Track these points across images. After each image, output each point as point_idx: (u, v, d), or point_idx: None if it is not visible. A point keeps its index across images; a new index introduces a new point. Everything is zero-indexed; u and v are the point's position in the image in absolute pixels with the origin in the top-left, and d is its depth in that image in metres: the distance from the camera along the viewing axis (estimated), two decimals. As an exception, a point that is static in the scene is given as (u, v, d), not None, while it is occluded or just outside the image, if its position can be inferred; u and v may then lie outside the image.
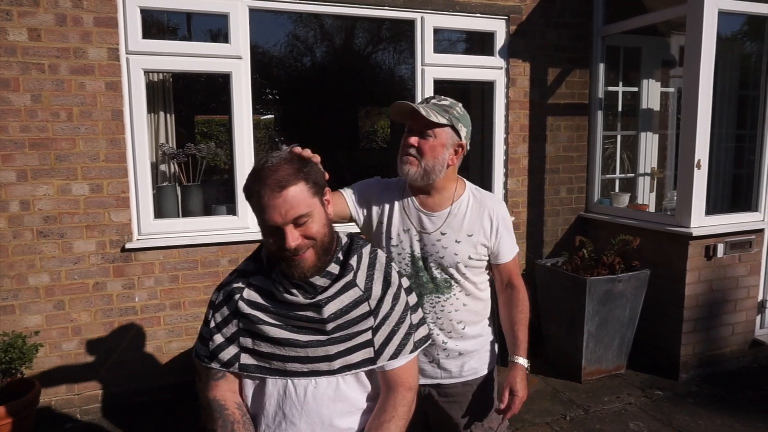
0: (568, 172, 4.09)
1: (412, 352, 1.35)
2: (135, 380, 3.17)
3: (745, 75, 4.16)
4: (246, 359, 1.29)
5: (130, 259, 3.09)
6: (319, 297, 1.25)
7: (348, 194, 1.68)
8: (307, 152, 1.25)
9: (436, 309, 1.63)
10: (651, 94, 4.48)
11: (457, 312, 1.65)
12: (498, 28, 3.76)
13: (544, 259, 3.92)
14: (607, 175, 4.41)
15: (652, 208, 4.32)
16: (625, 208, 4.03)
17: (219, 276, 3.22)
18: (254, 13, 3.23)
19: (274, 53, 10.32)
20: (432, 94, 1.67)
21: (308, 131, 9.68)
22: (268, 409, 1.29)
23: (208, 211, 3.61)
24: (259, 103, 10.46)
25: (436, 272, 1.61)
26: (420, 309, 1.44)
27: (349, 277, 1.28)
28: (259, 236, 1.26)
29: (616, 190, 4.44)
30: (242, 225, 3.31)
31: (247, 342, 1.28)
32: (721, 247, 3.40)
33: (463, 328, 1.66)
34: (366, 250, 1.37)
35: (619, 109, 4.41)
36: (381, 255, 1.39)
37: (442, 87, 3.86)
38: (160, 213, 3.32)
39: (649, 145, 4.53)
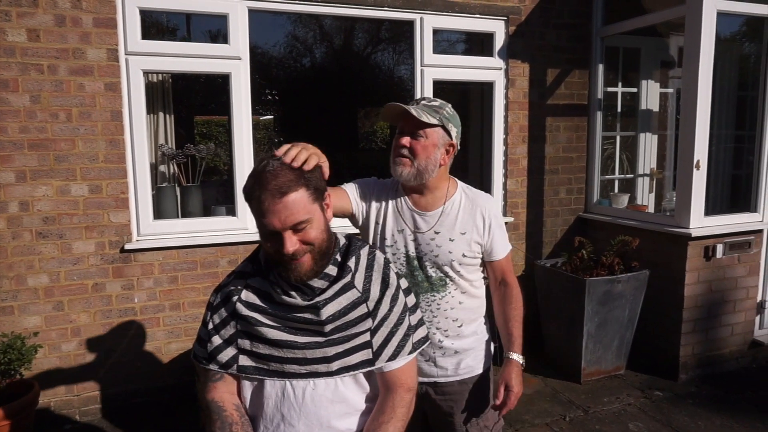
0: (567, 173, 4.10)
1: (410, 353, 1.35)
2: (134, 381, 3.17)
3: (744, 75, 4.16)
4: (244, 361, 1.29)
5: (130, 260, 3.09)
6: (317, 299, 1.25)
7: (351, 190, 1.68)
8: (299, 161, 1.18)
9: (432, 307, 1.64)
10: (650, 94, 4.49)
11: (453, 310, 1.66)
12: (497, 28, 3.77)
13: (544, 260, 3.92)
14: (607, 176, 4.41)
15: (651, 209, 4.32)
16: (625, 208, 4.03)
17: (218, 277, 3.22)
18: (253, 13, 3.23)
19: (273, 54, 10.32)
20: (422, 96, 1.68)
21: (307, 132, 9.68)
22: (266, 410, 1.29)
23: (207, 212, 3.61)
24: (258, 104, 10.47)
25: (431, 271, 1.63)
26: (419, 310, 1.44)
27: (347, 279, 1.28)
28: (258, 237, 1.26)
29: (616, 190, 4.45)
30: (242, 226, 3.31)
31: (245, 344, 1.28)
32: (720, 248, 3.40)
33: (459, 326, 1.68)
34: (364, 252, 1.37)
35: (619, 109, 4.41)
36: (379, 256, 1.39)
37: (442, 88, 3.86)
38: (159, 214, 3.32)
39: (648, 145, 4.54)
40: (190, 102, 9.22)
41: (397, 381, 1.33)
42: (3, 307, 2.89)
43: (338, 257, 1.32)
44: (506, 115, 3.86)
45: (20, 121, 2.82)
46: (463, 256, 1.62)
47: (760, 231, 3.58)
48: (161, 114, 3.57)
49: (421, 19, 3.55)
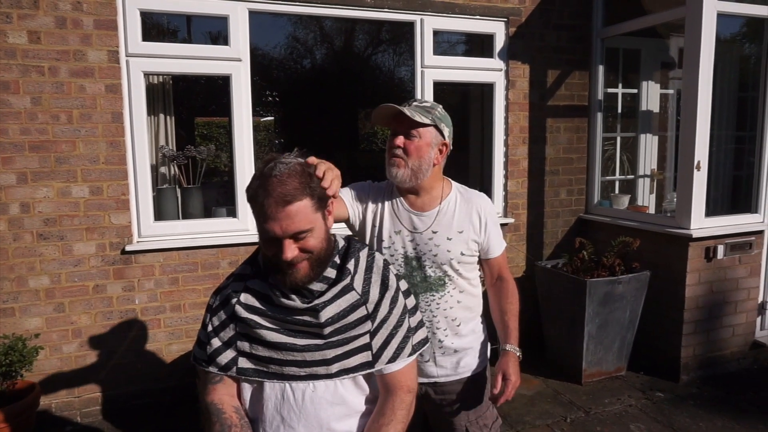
0: (567, 174, 4.10)
1: (410, 355, 1.35)
2: (135, 382, 3.17)
3: (745, 76, 4.16)
4: (243, 363, 1.29)
5: (130, 262, 3.09)
6: (316, 301, 1.25)
7: (346, 196, 1.70)
8: (320, 172, 1.24)
9: (432, 307, 1.66)
10: (650, 95, 4.49)
11: (452, 309, 1.68)
12: (497, 30, 3.77)
13: (544, 261, 3.92)
14: (607, 177, 4.41)
15: (652, 210, 4.32)
16: (625, 209, 4.03)
17: (219, 278, 3.22)
18: (254, 15, 3.23)
19: (273, 55, 10.34)
20: (421, 97, 1.70)
21: (308, 133, 9.70)
22: (266, 412, 1.29)
23: (208, 213, 3.61)
24: (259, 105, 10.48)
25: (430, 271, 1.64)
26: (418, 311, 1.45)
27: (346, 281, 1.28)
28: (258, 239, 1.26)
29: (616, 191, 4.44)
30: (242, 227, 3.31)
31: (245, 346, 1.28)
32: (721, 249, 3.40)
33: (458, 325, 1.70)
34: (363, 254, 1.37)
35: (619, 110, 4.41)
36: (379, 258, 1.39)
37: (442, 89, 3.87)
38: (160, 215, 3.32)
39: (648, 146, 4.54)
40: (190, 103, 9.24)
41: (397, 383, 1.33)
42: (4, 309, 2.89)
43: (337, 259, 1.32)
44: (506, 116, 3.86)
45: (21, 122, 2.82)
46: (462, 254, 1.64)
47: (761, 232, 3.58)
48: (162, 115, 3.57)
49: (422, 20, 3.55)
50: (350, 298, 1.28)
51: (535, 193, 4.00)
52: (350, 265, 1.31)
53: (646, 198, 4.56)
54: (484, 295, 1.78)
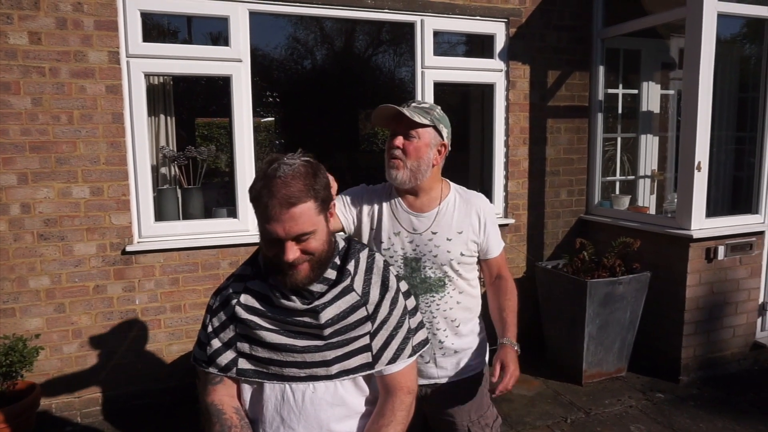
0: (568, 175, 4.10)
1: (410, 356, 1.35)
2: (135, 383, 3.17)
3: (745, 77, 4.16)
4: (243, 364, 1.29)
5: (131, 262, 3.09)
6: (316, 302, 1.25)
7: (338, 206, 1.69)
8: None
9: (431, 308, 1.66)
10: (651, 96, 4.49)
11: (452, 310, 1.68)
12: (498, 30, 3.77)
13: (545, 262, 3.92)
14: (608, 178, 4.41)
15: (652, 211, 4.32)
16: (626, 210, 4.03)
17: (219, 279, 3.22)
18: (254, 16, 3.23)
19: (274, 56, 10.35)
20: (420, 98, 1.70)
21: (309, 134, 9.70)
22: (266, 413, 1.29)
23: (208, 214, 3.61)
24: (259, 106, 10.48)
25: (430, 272, 1.64)
26: (419, 313, 1.44)
27: (346, 282, 1.28)
28: (258, 239, 1.26)
29: (617, 192, 4.44)
30: (243, 228, 3.31)
31: (245, 347, 1.28)
32: (721, 250, 3.40)
33: (458, 326, 1.70)
34: (363, 255, 1.37)
35: (619, 111, 4.41)
36: (379, 259, 1.39)
37: (442, 89, 3.87)
38: (160, 216, 3.32)
39: (649, 147, 4.54)
40: (191, 104, 9.24)
41: (397, 384, 1.33)
42: (4, 309, 2.89)
43: (337, 260, 1.32)
44: (507, 116, 3.86)
45: (22, 123, 2.82)
46: (461, 255, 1.65)
47: (762, 233, 3.58)
48: (162, 116, 3.57)
49: (422, 21, 3.55)
50: (350, 299, 1.28)
51: (535, 193, 4.00)
52: (350, 266, 1.31)
53: (647, 199, 4.55)
54: (483, 296, 1.79)
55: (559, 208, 4.10)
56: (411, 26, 3.59)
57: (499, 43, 3.78)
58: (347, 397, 1.30)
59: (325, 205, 1.23)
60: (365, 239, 1.69)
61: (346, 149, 9.90)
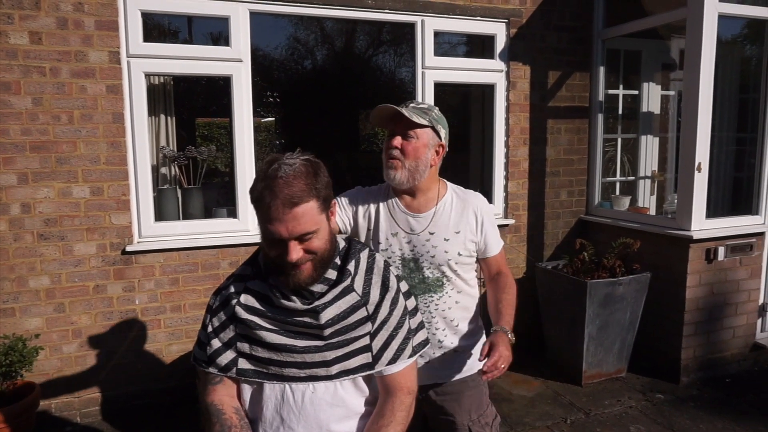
0: (568, 175, 4.09)
1: (410, 356, 1.35)
2: (135, 383, 3.17)
3: (746, 78, 4.16)
4: (243, 364, 1.29)
5: (131, 262, 3.09)
6: (317, 303, 1.25)
7: (336, 210, 1.69)
8: None
9: (430, 308, 1.66)
10: (651, 97, 4.49)
11: (450, 310, 1.68)
12: (498, 31, 3.77)
13: (545, 262, 3.92)
14: (608, 178, 4.41)
15: (652, 211, 4.32)
16: (626, 211, 4.03)
17: (219, 278, 3.22)
18: (255, 16, 3.23)
19: (274, 56, 10.35)
20: (420, 99, 1.70)
21: (309, 134, 9.70)
22: (265, 413, 1.29)
23: (208, 214, 3.61)
24: (259, 106, 10.48)
25: (428, 272, 1.65)
26: (419, 313, 1.45)
27: (346, 283, 1.28)
28: (259, 239, 1.26)
29: (617, 193, 4.44)
30: (243, 228, 3.31)
31: (245, 347, 1.28)
32: (721, 251, 3.40)
33: (457, 325, 1.70)
34: (364, 255, 1.37)
35: (620, 112, 4.41)
36: (379, 259, 1.39)
37: (443, 90, 3.87)
38: (160, 216, 3.32)
39: (649, 148, 4.53)
40: (191, 104, 9.25)
41: (397, 384, 1.33)
42: (4, 309, 2.89)
43: (338, 261, 1.32)
44: (507, 117, 3.86)
45: (22, 123, 2.82)
46: (459, 254, 1.65)
47: (762, 234, 3.58)
48: (163, 116, 3.57)
49: (422, 21, 3.55)
50: (350, 299, 1.28)
51: (535, 194, 4.00)
52: (351, 266, 1.31)
53: (647, 199, 4.55)
54: (483, 297, 1.78)
55: (559, 208, 4.10)
56: (411, 26, 3.59)
57: (500, 44, 3.78)
58: (347, 397, 1.30)
59: (326, 204, 1.22)
60: (363, 240, 1.70)
61: (347, 149, 9.90)
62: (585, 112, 4.08)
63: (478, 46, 4.22)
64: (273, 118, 11.88)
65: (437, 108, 1.66)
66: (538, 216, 4.03)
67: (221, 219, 3.40)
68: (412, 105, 1.61)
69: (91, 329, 3.06)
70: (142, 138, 3.07)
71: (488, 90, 4.00)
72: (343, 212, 1.70)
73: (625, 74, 4.38)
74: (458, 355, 1.72)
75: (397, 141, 1.58)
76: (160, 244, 3.12)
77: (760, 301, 3.70)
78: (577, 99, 4.05)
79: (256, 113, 3.55)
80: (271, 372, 1.27)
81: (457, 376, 1.72)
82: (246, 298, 1.29)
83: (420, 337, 1.40)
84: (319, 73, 10.36)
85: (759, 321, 3.72)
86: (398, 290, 1.37)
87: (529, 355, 3.85)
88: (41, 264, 2.92)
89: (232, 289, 1.31)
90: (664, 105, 4.65)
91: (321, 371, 1.27)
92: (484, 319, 1.84)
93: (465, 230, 1.65)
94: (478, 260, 1.74)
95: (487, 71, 3.79)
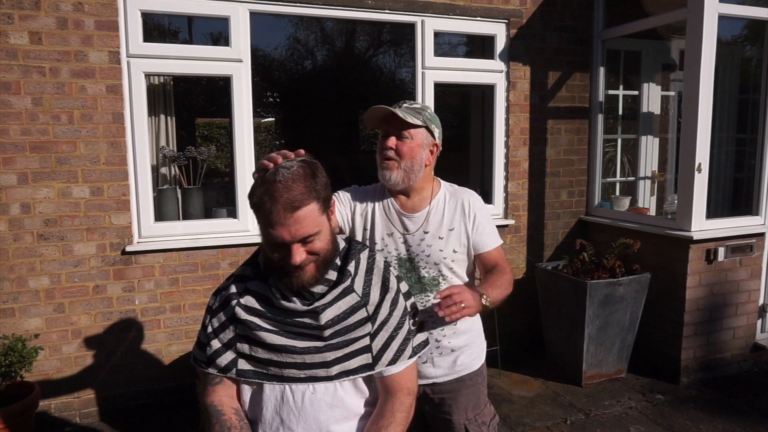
0: (568, 176, 4.09)
1: (410, 357, 1.35)
2: (134, 383, 3.16)
3: (746, 79, 4.16)
4: (243, 365, 1.28)
5: (131, 262, 3.09)
6: (317, 303, 1.25)
7: (336, 206, 1.69)
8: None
9: (427, 308, 1.65)
10: (651, 97, 4.49)
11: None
12: (498, 31, 3.77)
13: (545, 263, 3.92)
14: (608, 179, 4.40)
15: (652, 212, 4.31)
16: (626, 211, 4.03)
17: (219, 279, 3.22)
18: (255, 16, 3.23)
19: (274, 56, 10.35)
20: (406, 100, 1.69)
21: (309, 134, 9.70)
22: (265, 414, 1.29)
23: (208, 214, 3.61)
24: (259, 106, 10.49)
25: (424, 272, 1.65)
26: (419, 314, 1.44)
27: (346, 283, 1.28)
28: (259, 239, 1.25)
29: (617, 193, 4.44)
30: (243, 228, 3.31)
31: (244, 348, 1.28)
32: (722, 251, 3.40)
33: (455, 324, 1.69)
34: (364, 255, 1.37)
35: (620, 112, 4.41)
36: (379, 260, 1.39)
37: (443, 90, 3.86)
38: (160, 216, 3.32)
39: (649, 148, 4.53)
40: (191, 104, 9.25)
41: (396, 385, 1.32)
42: (4, 309, 2.89)
43: (338, 261, 1.32)
44: (507, 117, 3.86)
45: (22, 123, 2.82)
46: (454, 252, 1.65)
47: (762, 234, 3.58)
48: (162, 116, 3.57)
49: (422, 21, 3.55)
50: (350, 300, 1.28)
51: (535, 194, 3.99)
52: (351, 267, 1.31)
53: (647, 200, 4.55)
54: None
55: (559, 209, 4.10)
56: (411, 27, 3.59)
57: (500, 44, 3.78)
58: (347, 398, 1.30)
59: (326, 205, 1.22)
60: (359, 240, 1.70)
61: (347, 150, 9.89)
62: (585, 113, 4.08)
63: (478, 47, 4.22)
64: (273, 119, 11.89)
65: (430, 108, 1.67)
66: (538, 216, 4.02)
67: (221, 219, 3.39)
68: (405, 105, 1.61)
69: (91, 329, 3.05)
70: (142, 138, 3.06)
71: (488, 90, 4.00)
72: (343, 208, 1.70)
73: (625, 75, 4.38)
74: (456, 354, 1.71)
75: (392, 141, 1.59)
76: (160, 245, 3.12)
77: (760, 301, 3.70)
78: (577, 99, 4.05)
79: (256, 113, 3.55)
80: (271, 373, 1.27)
81: (455, 375, 1.72)
82: (246, 299, 1.29)
83: (420, 337, 1.40)
84: (319, 73, 10.36)
85: (759, 322, 3.72)
86: (398, 291, 1.37)
87: (529, 355, 3.85)
88: (41, 264, 2.92)
89: (232, 290, 1.31)
90: (664, 105, 4.65)
91: (321, 372, 1.26)
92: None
93: (459, 227, 1.65)
94: (474, 258, 1.71)
95: (487, 71, 3.79)
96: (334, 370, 1.27)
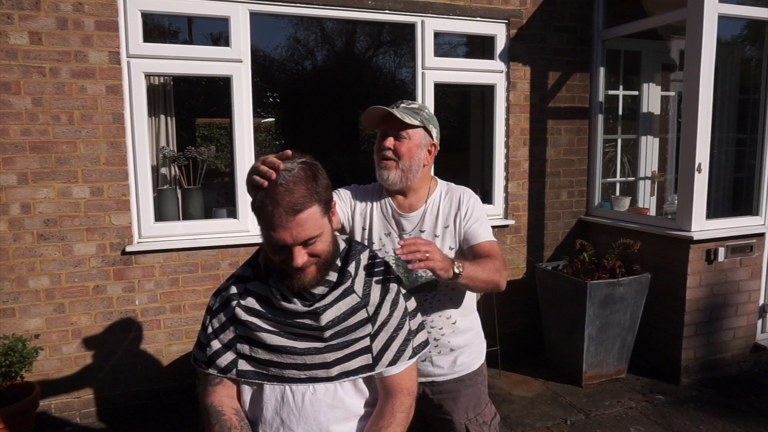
0: (568, 176, 4.09)
1: (410, 358, 1.35)
2: (134, 383, 3.16)
3: (746, 79, 4.16)
4: (243, 365, 1.29)
5: (131, 262, 3.09)
6: (317, 305, 1.25)
7: (338, 203, 1.69)
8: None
9: (425, 306, 1.66)
10: (651, 97, 4.49)
11: (446, 307, 1.68)
12: (498, 31, 3.77)
13: (545, 263, 3.92)
14: (608, 179, 4.40)
15: (652, 212, 4.31)
16: (626, 211, 4.03)
17: (219, 279, 3.22)
18: (255, 16, 3.23)
19: (274, 56, 10.36)
20: (403, 100, 1.69)
21: (309, 134, 9.70)
22: (265, 414, 1.29)
23: (208, 214, 3.61)
24: (259, 107, 10.49)
25: (421, 271, 1.63)
26: (419, 314, 1.44)
27: (347, 284, 1.28)
28: (259, 239, 1.25)
29: (617, 193, 4.44)
30: (243, 228, 3.31)
31: (245, 348, 1.28)
32: (722, 251, 3.40)
33: (454, 323, 1.70)
34: (364, 256, 1.37)
35: (620, 112, 4.41)
36: (380, 260, 1.39)
37: (443, 90, 3.86)
38: (160, 216, 3.32)
39: (649, 148, 4.53)
40: (191, 104, 9.25)
41: (397, 386, 1.32)
42: (4, 309, 2.89)
43: (338, 262, 1.32)
44: (507, 117, 3.86)
45: (22, 123, 2.82)
46: (450, 249, 1.65)
47: (762, 234, 3.58)
48: (163, 116, 3.57)
49: (422, 22, 3.55)
50: (351, 300, 1.28)
51: (535, 194, 3.99)
52: (351, 268, 1.31)
53: (647, 200, 4.55)
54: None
55: (559, 209, 4.10)
56: (411, 27, 3.59)
57: (500, 44, 3.78)
58: (347, 398, 1.30)
59: (328, 207, 1.23)
60: (357, 239, 1.70)
61: (347, 150, 9.89)
62: (585, 113, 4.08)
63: (478, 47, 4.22)
64: (273, 119, 11.88)
65: (428, 108, 1.66)
66: (538, 217, 4.02)
67: (221, 219, 3.39)
68: (403, 105, 1.61)
69: (91, 329, 3.05)
70: (142, 138, 3.06)
71: (488, 91, 3.99)
72: (344, 205, 1.70)
73: (625, 75, 4.38)
74: (455, 353, 1.71)
75: (390, 142, 1.59)
76: (160, 245, 3.12)
77: (761, 302, 3.70)
78: (578, 99, 4.05)
79: (256, 114, 3.55)
80: (271, 373, 1.27)
81: (454, 375, 1.71)
82: (246, 300, 1.29)
83: (420, 338, 1.40)
84: (319, 73, 10.36)
85: (759, 322, 3.72)
86: (398, 291, 1.37)
87: (529, 355, 3.85)
88: (41, 264, 2.92)
89: (233, 291, 1.31)
90: (664, 106, 4.65)
91: (321, 373, 1.26)
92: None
93: (453, 222, 1.65)
94: (467, 251, 1.65)
95: (487, 72, 3.79)
96: (335, 370, 1.27)
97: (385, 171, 1.60)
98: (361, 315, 1.28)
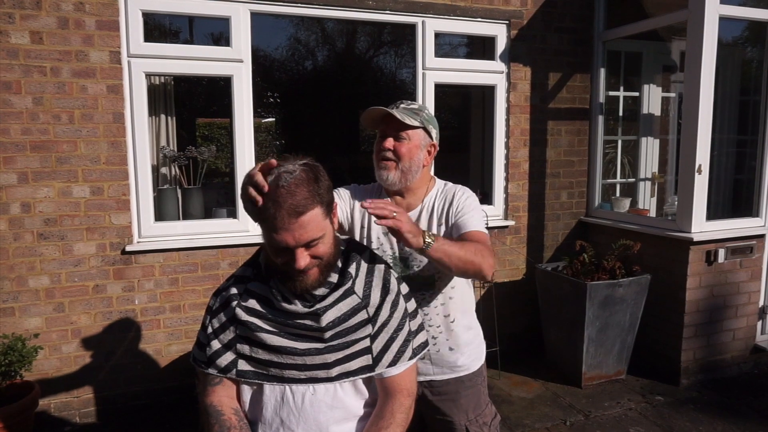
0: (568, 177, 4.09)
1: (410, 359, 1.35)
2: (134, 383, 3.16)
3: (746, 80, 4.16)
4: (243, 366, 1.28)
5: (130, 262, 3.09)
6: (318, 306, 1.25)
7: (337, 202, 1.68)
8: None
9: (423, 305, 1.66)
10: (652, 98, 4.49)
11: (444, 306, 1.68)
12: (499, 32, 3.77)
13: (545, 264, 3.91)
14: (608, 180, 4.40)
15: (652, 213, 4.31)
16: (626, 212, 4.02)
17: (219, 279, 3.22)
18: (255, 16, 3.23)
19: (275, 57, 10.36)
20: (403, 100, 1.69)
21: (309, 134, 9.70)
22: (265, 414, 1.29)
23: (208, 214, 3.61)
24: (260, 107, 10.49)
25: (419, 270, 1.64)
26: (419, 315, 1.44)
27: (347, 285, 1.28)
28: (259, 239, 1.25)
29: (617, 194, 4.44)
30: (243, 228, 3.31)
31: (245, 349, 1.28)
32: (722, 253, 3.39)
33: (452, 322, 1.69)
34: (365, 257, 1.37)
35: (620, 113, 4.41)
36: (380, 261, 1.39)
37: (443, 91, 3.86)
38: (160, 216, 3.32)
39: (649, 149, 4.53)
40: (192, 104, 9.26)
41: (396, 387, 1.32)
42: (4, 309, 2.89)
43: (339, 263, 1.32)
44: (508, 118, 3.86)
45: (23, 122, 2.82)
46: None
47: (762, 236, 3.58)
48: (163, 116, 3.57)
49: (423, 22, 3.55)
50: (351, 301, 1.28)
51: (535, 195, 3.99)
52: (351, 269, 1.31)
53: (647, 201, 4.55)
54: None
55: (559, 210, 4.10)
56: (412, 27, 3.59)
57: (500, 45, 3.78)
58: (346, 399, 1.30)
59: (329, 208, 1.23)
60: (356, 238, 1.70)
61: (347, 150, 9.89)
62: (585, 114, 4.08)
63: (479, 48, 4.22)
64: (273, 119, 11.89)
65: (428, 108, 1.66)
66: (538, 217, 4.03)
67: (221, 219, 3.40)
68: (402, 106, 1.61)
69: (91, 329, 3.05)
70: (142, 138, 3.07)
71: (489, 91, 3.99)
72: (344, 204, 1.70)
73: (626, 76, 4.38)
74: (454, 353, 1.71)
75: (389, 143, 1.59)
76: (159, 244, 3.12)
77: (761, 303, 3.70)
78: (578, 100, 4.05)
79: (257, 114, 3.55)
80: (271, 374, 1.27)
81: (454, 375, 1.71)
82: (246, 300, 1.29)
83: (420, 339, 1.40)
84: (320, 73, 10.37)
85: (759, 323, 3.72)
86: (398, 292, 1.37)
87: (528, 356, 3.85)
88: (41, 264, 2.92)
89: (233, 291, 1.31)
90: (664, 107, 4.65)
91: (321, 373, 1.26)
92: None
93: (445, 221, 1.65)
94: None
95: (488, 72, 3.79)
96: (335, 371, 1.27)
97: (385, 171, 1.60)
98: (362, 316, 1.28)
